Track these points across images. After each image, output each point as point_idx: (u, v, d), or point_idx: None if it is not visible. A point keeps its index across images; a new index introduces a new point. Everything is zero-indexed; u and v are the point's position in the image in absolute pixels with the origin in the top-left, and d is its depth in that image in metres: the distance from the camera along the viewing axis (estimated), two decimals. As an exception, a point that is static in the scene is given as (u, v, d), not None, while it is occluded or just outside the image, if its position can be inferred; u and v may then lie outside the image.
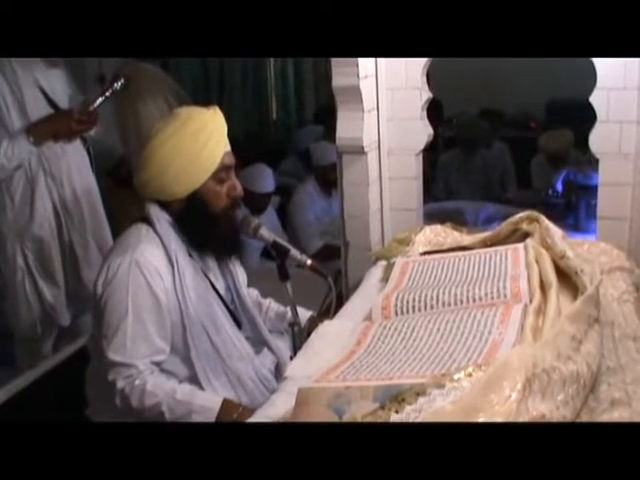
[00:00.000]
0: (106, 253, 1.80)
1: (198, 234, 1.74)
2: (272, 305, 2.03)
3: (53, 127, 2.44)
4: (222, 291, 1.82)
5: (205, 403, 1.64)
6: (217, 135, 1.71)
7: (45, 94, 2.51)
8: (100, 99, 2.51)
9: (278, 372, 1.85)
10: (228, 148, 1.74)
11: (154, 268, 1.66)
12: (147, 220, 1.72)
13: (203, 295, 1.73)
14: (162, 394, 1.63)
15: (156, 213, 1.72)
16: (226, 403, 1.64)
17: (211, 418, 1.62)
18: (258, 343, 1.87)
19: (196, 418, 1.62)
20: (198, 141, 1.68)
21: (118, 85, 2.54)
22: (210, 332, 1.71)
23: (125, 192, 2.56)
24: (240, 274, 1.90)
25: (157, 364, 1.68)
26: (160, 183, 1.70)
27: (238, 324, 1.82)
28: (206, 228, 1.73)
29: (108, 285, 1.66)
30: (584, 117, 2.14)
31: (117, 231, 1.82)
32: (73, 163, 2.57)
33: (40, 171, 2.49)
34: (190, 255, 1.74)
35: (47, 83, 2.52)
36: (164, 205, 1.73)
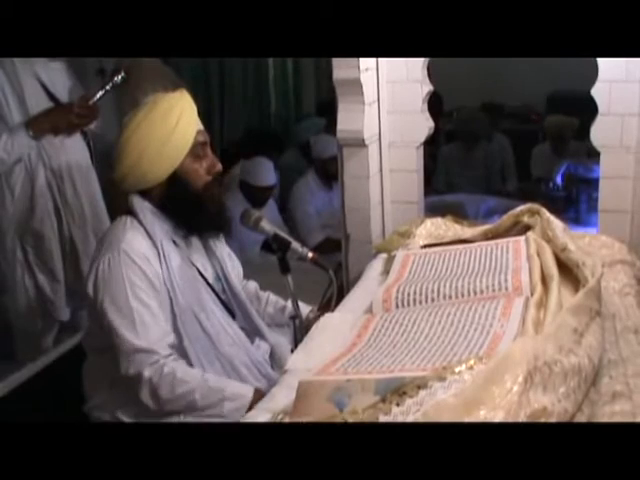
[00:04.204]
0: (93, 252, 1.79)
1: (183, 215, 1.74)
2: (271, 298, 2.03)
3: (53, 121, 2.44)
4: (211, 280, 1.82)
5: (238, 390, 1.64)
6: (187, 115, 1.72)
7: (45, 87, 2.50)
8: (100, 92, 2.51)
9: (273, 361, 1.85)
10: (200, 127, 1.76)
11: (142, 254, 1.66)
12: (131, 212, 1.73)
13: (191, 282, 1.72)
14: (194, 381, 1.62)
15: (138, 204, 1.72)
16: (257, 392, 1.63)
17: (244, 406, 1.60)
18: (252, 333, 1.86)
19: (228, 405, 1.61)
20: (168, 122, 1.68)
21: (118, 78, 2.53)
22: (201, 319, 1.71)
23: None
24: (228, 262, 1.90)
25: (171, 347, 1.67)
26: (138, 171, 1.70)
27: (231, 314, 1.82)
28: (190, 208, 1.73)
29: (102, 281, 1.65)
30: (585, 110, 2.13)
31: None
32: (73, 157, 2.56)
33: (40, 165, 2.48)
34: (175, 243, 1.74)
35: (47, 76, 2.52)
36: (145, 194, 1.74)
